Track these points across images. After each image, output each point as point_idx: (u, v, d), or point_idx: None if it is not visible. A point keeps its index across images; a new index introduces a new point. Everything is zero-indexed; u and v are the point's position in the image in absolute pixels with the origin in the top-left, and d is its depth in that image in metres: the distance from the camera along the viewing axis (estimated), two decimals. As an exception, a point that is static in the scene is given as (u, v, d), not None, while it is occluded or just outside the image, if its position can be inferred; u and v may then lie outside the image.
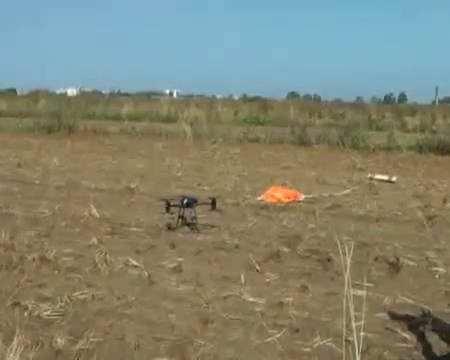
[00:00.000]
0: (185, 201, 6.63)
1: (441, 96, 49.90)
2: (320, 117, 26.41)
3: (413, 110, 29.98)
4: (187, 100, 39.52)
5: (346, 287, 2.59)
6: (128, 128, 20.41)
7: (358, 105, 34.29)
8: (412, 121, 24.77)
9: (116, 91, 57.62)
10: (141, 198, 8.45)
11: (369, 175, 10.93)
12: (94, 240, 5.97)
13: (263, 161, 13.25)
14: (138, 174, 10.65)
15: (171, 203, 6.65)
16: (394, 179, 10.63)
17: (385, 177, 10.76)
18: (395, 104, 47.99)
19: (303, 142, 16.64)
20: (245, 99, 39.44)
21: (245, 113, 26.90)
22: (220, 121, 21.80)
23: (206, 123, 18.96)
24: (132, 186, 9.28)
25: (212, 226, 6.76)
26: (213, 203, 6.89)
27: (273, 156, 14.10)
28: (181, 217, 6.66)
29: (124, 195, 8.68)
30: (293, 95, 52.53)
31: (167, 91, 69.14)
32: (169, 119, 24.17)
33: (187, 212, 6.64)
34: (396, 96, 62.99)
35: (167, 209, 6.62)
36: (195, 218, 6.62)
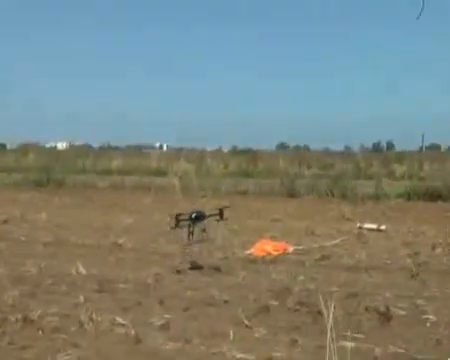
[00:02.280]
0: (194, 215, 6.71)
1: (427, 143, 50.77)
2: (309, 167, 26.64)
3: (401, 157, 30.39)
4: (177, 153, 39.80)
5: (329, 339, 2.56)
6: (117, 182, 20.44)
7: (346, 154, 34.70)
8: (400, 168, 25.09)
9: (106, 145, 57.90)
10: (129, 254, 8.37)
11: (358, 224, 10.96)
12: (81, 298, 5.88)
13: (252, 214, 13.24)
14: (127, 229, 10.60)
15: (180, 218, 6.71)
16: (383, 228, 10.65)
17: (374, 226, 10.78)
18: (383, 152, 48.60)
19: (292, 193, 16.73)
20: (234, 151, 39.79)
21: (234, 165, 27.09)
22: (209, 174, 21.91)
23: (195, 176, 19.05)
24: (120, 242, 9.21)
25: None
26: (221, 213, 6.98)
27: (262, 208, 14.12)
28: (191, 233, 6.71)
29: (112, 251, 8.60)
30: (282, 146, 53.19)
31: (157, 144, 69.65)
32: (159, 173, 24.28)
33: (197, 227, 6.69)
34: (384, 144, 63.73)
35: (176, 224, 6.67)
36: (205, 231, 6.69)
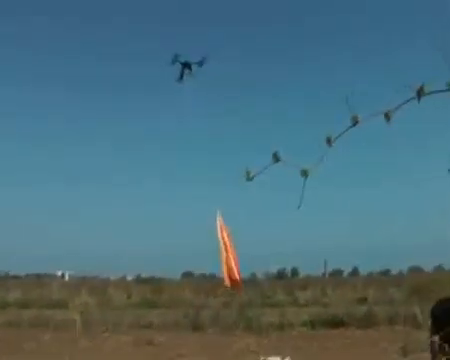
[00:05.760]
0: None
1: (330, 268, 52.27)
2: (215, 296, 26.52)
3: (305, 284, 31.00)
4: (79, 283, 38.47)
5: None
6: (14, 318, 19.24)
7: (252, 282, 35.05)
8: (304, 295, 25.55)
9: (5, 273, 54.89)
10: None
11: (262, 358, 10.86)
12: None
13: (155, 349, 12.85)
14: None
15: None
16: (287, 360, 10.61)
17: (278, 358, 10.72)
18: (288, 278, 49.46)
19: (197, 326, 16.49)
20: (139, 280, 39.10)
21: (138, 295, 26.47)
22: (112, 306, 21.23)
23: (97, 309, 18.39)
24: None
25: None
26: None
27: (166, 343, 13.75)
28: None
29: None
30: (188, 274, 52.76)
31: (59, 272, 66.97)
32: (60, 304, 23.21)
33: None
34: (289, 270, 64.88)
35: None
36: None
